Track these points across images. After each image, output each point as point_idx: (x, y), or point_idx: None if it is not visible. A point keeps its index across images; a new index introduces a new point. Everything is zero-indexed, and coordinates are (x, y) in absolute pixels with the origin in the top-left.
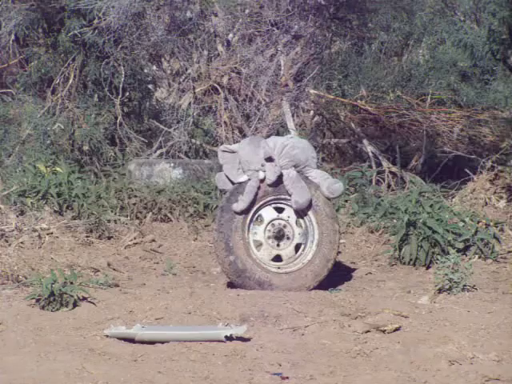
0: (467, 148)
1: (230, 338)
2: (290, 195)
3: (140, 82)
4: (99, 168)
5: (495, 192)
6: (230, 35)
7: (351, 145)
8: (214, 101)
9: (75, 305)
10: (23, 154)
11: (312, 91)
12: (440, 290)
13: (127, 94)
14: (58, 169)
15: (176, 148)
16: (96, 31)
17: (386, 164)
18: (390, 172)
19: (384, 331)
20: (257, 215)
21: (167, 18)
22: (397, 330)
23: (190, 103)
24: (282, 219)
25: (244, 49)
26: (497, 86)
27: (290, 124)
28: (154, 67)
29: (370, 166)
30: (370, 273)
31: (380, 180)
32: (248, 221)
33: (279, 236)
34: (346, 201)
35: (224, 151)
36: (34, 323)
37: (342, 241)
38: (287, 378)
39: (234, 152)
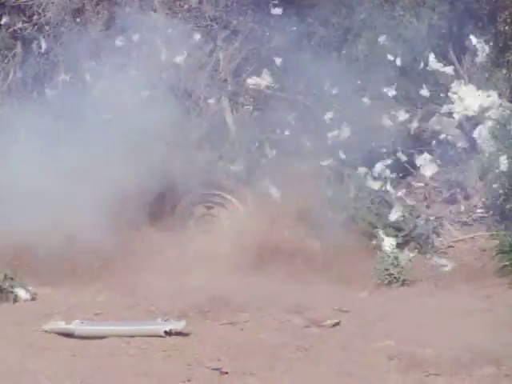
0: (407, 142)
1: (169, 333)
2: None
3: (79, 78)
4: None
5: (435, 187)
6: (169, 30)
7: (290, 140)
8: (152, 97)
9: (15, 300)
10: None
11: (251, 86)
12: (379, 285)
13: (67, 89)
14: None
15: (116, 145)
16: (36, 27)
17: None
18: (328, 166)
19: (323, 326)
20: None
21: (106, 14)
22: (336, 324)
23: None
24: None
25: (183, 44)
26: (436, 81)
27: (229, 119)
28: (94, 63)
29: (309, 162)
30: (309, 267)
31: (318, 175)
32: None
33: None
34: None
35: None
36: None
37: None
38: (226, 373)
39: None
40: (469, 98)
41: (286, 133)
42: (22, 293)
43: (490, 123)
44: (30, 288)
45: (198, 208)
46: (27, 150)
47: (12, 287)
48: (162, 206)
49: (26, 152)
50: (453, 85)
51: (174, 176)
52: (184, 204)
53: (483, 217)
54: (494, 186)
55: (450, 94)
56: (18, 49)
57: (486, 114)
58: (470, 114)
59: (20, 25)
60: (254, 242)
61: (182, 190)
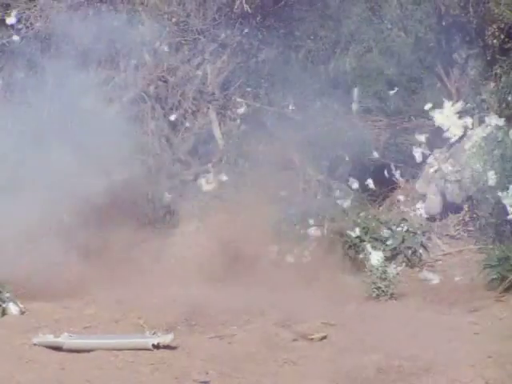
0: (394, 156)
1: (157, 347)
2: None
3: (67, 91)
4: None
5: (422, 200)
6: (157, 44)
7: (278, 153)
8: (140, 110)
9: (4, 313)
10: None
11: (239, 99)
12: (367, 299)
13: (54, 102)
14: None
15: (103, 157)
16: (24, 40)
17: (312, 172)
18: (317, 180)
19: (311, 340)
20: None
21: (94, 27)
22: (324, 338)
23: (116, 112)
24: None
25: (170, 57)
26: (424, 94)
27: (217, 133)
28: (81, 76)
29: (297, 175)
30: (297, 281)
31: (306, 188)
32: None
33: None
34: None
35: None
36: None
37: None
38: None
39: None
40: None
41: (274, 145)
42: (11, 306)
43: (477, 138)
44: (18, 302)
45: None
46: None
47: (0, 300)
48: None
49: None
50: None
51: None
52: None
53: (471, 230)
54: (482, 199)
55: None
56: (6, 62)
57: (474, 130)
58: (458, 132)
59: (8, 38)
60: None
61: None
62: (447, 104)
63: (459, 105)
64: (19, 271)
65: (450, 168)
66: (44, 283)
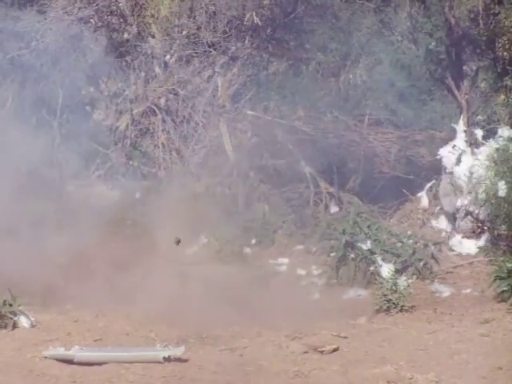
0: (405, 168)
1: (168, 359)
2: None
3: (78, 104)
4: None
5: (433, 213)
6: (168, 56)
7: (289, 166)
8: (151, 122)
9: (14, 326)
10: None
11: (249, 112)
12: (378, 311)
13: (65, 115)
14: None
15: (114, 170)
16: (34, 53)
17: (323, 185)
18: (328, 193)
19: (322, 352)
20: None
21: (104, 40)
22: (335, 350)
23: (127, 125)
24: None
25: (181, 70)
26: (434, 107)
27: (228, 145)
28: (92, 89)
29: (308, 187)
30: (308, 293)
31: (317, 201)
32: None
33: None
34: (284, 222)
35: None
36: None
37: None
38: None
39: None
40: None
41: (285, 159)
42: (23, 319)
43: (488, 150)
44: (29, 314)
45: None
46: None
47: (11, 313)
48: None
49: None
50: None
51: None
52: None
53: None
54: (493, 211)
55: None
56: (17, 75)
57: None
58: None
59: (18, 51)
60: None
61: None
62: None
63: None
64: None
65: (464, 180)
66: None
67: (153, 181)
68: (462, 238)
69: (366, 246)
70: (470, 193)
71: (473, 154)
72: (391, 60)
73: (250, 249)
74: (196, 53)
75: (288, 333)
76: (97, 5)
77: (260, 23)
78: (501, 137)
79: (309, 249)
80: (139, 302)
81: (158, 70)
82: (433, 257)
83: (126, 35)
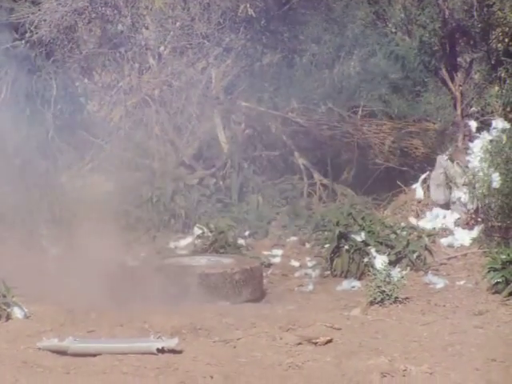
0: (399, 160)
1: (161, 351)
2: None
3: (72, 96)
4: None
5: (427, 204)
6: (162, 48)
7: (282, 157)
8: (145, 114)
9: (8, 317)
10: None
11: (243, 104)
12: (372, 302)
13: (59, 107)
14: None
15: (108, 161)
16: (28, 44)
17: (317, 176)
18: (322, 184)
19: (316, 343)
20: None
21: (98, 31)
22: (329, 342)
23: (121, 116)
24: None
25: (175, 61)
26: (428, 98)
27: (222, 137)
28: (86, 80)
29: (302, 179)
30: (302, 285)
31: (311, 192)
32: None
33: None
34: (278, 213)
35: None
36: None
37: (273, 253)
38: None
39: None
40: None
41: (279, 150)
42: (16, 310)
43: (484, 141)
44: (23, 306)
45: None
46: None
47: (5, 304)
48: None
49: None
50: None
51: None
52: None
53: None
54: (487, 202)
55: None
56: (10, 66)
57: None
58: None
59: (12, 42)
60: None
61: None
62: None
63: None
64: None
65: (457, 171)
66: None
67: (147, 172)
68: (456, 229)
69: (360, 237)
70: (464, 184)
71: (467, 145)
72: (385, 51)
73: (243, 240)
74: (190, 44)
75: (282, 324)
76: None
77: (254, 15)
78: (495, 128)
79: (302, 240)
80: None
81: (151, 61)
82: (426, 248)
83: (120, 26)
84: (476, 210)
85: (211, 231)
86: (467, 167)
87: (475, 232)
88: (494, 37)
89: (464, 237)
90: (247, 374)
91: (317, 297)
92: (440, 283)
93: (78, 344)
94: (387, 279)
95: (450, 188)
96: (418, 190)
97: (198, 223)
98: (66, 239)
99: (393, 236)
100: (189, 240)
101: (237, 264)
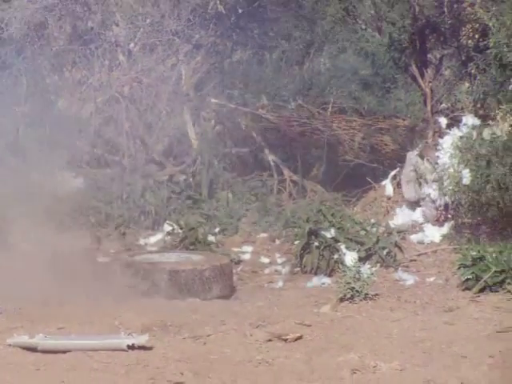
0: (368, 156)
1: (132, 347)
2: None
3: (42, 92)
4: None
5: (397, 201)
6: (131, 45)
7: (252, 154)
8: (115, 110)
9: None
10: None
11: (213, 100)
12: (342, 299)
13: (29, 104)
14: None
15: (78, 158)
16: None
17: (287, 173)
18: (292, 181)
19: (286, 340)
20: None
21: (69, 28)
22: (299, 338)
23: (91, 113)
24: None
25: (145, 58)
26: (398, 95)
27: (192, 133)
28: (56, 77)
29: (272, 175)
30: (272, 282)
31: (281, 189)
32: None
33: None
34: (248, 210)
35: None
36: None
37: (243, 250)
38: None
39: None
40: None
41: (248, 147)
42: None
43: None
44: None
45: None
46: None
47: None
48: None
49: None
50: None
51: None
52: None
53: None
54: (457, 199)
55: None
56: None
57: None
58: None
59: None
60: None
61: None
62: None
63: None
64: None
65: (428, 167)
66: None
67: (117, 169)
68: (426, 225)
69: (330, 234)
70: (434, 181)
71: (437, 142)
72: (355, 48)
73: (213, 237)
74: (160, 41)
75: (252, 321)
76: None
77: (224, 11)
78: (465, 124)
79: (273, 237)
80: None
81: (121, 58)
82: (396, 245)
83: (90, 23)
84: (446, 207)
85: (181, 228)
86: (437, 163)
87: (445, 228)
88: (464, 33)
89: (434, 233)
90: (217, 370)
91: (287, 293)
92: (410, 280)
93: (49, 340)
94: (357, 276)
95: (420, 184)
96: (388, 186)
97: (168, 220)
98: (35, 236)
99: (363, 232)
100: (159, 237)
101: (207, 261)
